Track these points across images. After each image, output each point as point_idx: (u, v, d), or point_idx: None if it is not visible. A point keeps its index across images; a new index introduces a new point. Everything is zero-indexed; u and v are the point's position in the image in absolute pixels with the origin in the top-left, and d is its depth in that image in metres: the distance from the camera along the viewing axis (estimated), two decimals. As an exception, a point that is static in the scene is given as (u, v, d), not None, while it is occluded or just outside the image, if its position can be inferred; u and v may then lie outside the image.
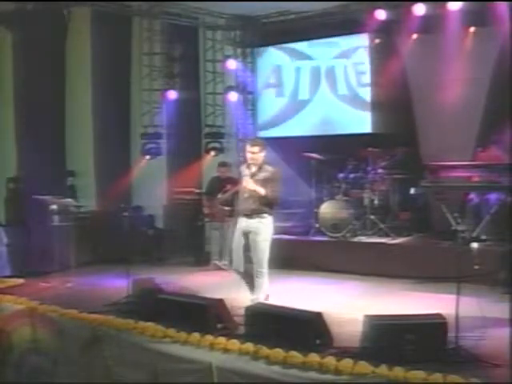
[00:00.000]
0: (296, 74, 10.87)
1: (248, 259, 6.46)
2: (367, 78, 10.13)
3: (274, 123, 11.14)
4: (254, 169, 6.38)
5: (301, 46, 10.75)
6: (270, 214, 6.42)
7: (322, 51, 10.56)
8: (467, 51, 8.71)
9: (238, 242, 6.47)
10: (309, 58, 10.71)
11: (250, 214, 6.35)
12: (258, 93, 11.37)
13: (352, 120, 10.33)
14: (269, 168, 6.43)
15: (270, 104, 11.24)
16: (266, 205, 6.35)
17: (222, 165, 9.80)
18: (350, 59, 10.31)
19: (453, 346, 4.85)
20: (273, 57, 11.12)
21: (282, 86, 11.03)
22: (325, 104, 10.60)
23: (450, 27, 8.61)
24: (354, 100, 10.32)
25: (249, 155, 6.41)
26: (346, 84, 10.42)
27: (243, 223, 6.43)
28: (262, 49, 11.26)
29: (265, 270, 6.38)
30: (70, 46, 10.72)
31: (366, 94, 10.18)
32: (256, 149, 6.40)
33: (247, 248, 6.42)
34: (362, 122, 10.19)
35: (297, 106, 10.90)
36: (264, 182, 6.31)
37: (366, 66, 10.11)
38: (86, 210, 10.03)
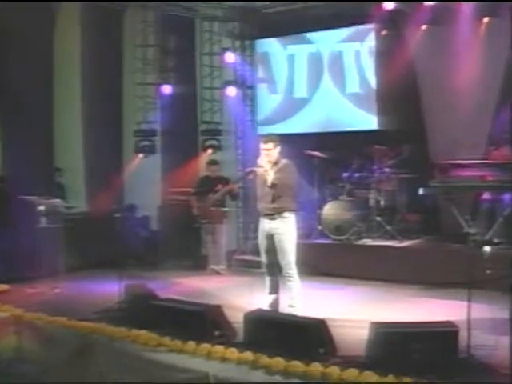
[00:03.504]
0: (289, 63, 10.68)
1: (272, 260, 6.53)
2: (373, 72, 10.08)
3: (274, 120, 11.10)
4: (269, 166, 6.41)
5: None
6: (293, 211, 6.48)
7: (324, 33, 10.10)
8: (480, 43, 8.66)
9: (263, 245, 6.55)
10: (307, 41, 10.43)
11: (272, 214, 6.42)
12: (257, 87, 11.34)
13: (357, 116, 10.29)
14: (283, 161, 6.51)
15: (267, 100, 11.20)
16: (287, 202, 6.43)
17: (212, 163, 9.80)
18: (364, 42, 10.01)
19: (464, 356, 4.83)
20: (262, 44, 10.73)
21: (274, 81, 10.75)
22: (328, 103, 10.43)
23: (461, 18, 8.58)
24: (367, 97, 10.12)
25: (263, 152, 6.46)
26: (359, 77, 10.20)
27: (266, 225, 6.50)
28: (261, 41, 11.23)
29: (295, 271, 6.46)
30: (58, 36, 10.66)
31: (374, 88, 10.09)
32: (270, 145, 6.45)
33: (272, 250, 6.49)
34: (367, 119, 10.16)
35: (293, 106, 10.74)
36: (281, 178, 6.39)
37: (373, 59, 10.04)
38: (76, 211, 9.97)
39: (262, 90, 11.04)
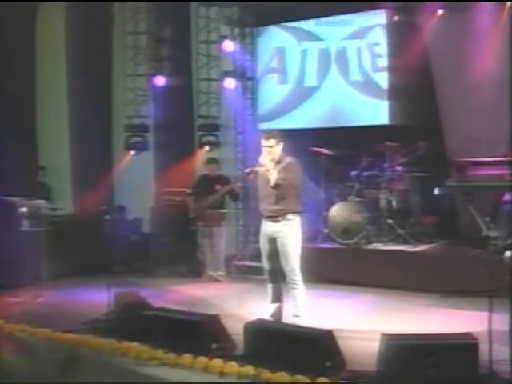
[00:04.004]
0: (302, 57, 10.85)
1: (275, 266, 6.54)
2: (384, 62, 10.10)
3: (276, 114, 11.11)
4: (271, 164, 6.41)
5: (307, 24, 10.72)
6: (297, 212, 6.49)
7: (332, 31, 10.54)
8: (501, 30, 8.63)
9: (266, 249, 6.57)
10: (317, 38, 10.68)
11: (276, 216, 6.43)
12: (258, 79, 11.35)
13: (366, 110, 10.30)
14: (287, 159, 6.51)
15: (272, 92, 11.21)
16: (291, 203, 6.43)
17: (211, 161, 9.82)
18: (364, 39, 10.28)
19: (485, 372, 4.80)
20: (275, 37, 11.09)
21: (286, 72, 11.00)
22: (335, 91, 10.58)
23: (482, 2, 8.56)
24: (369, 87, 10.30)
25: (265, 150, 6.46)
26: (359, 68, 10.40)
27: (268, 228, 6.51)
28: (262, 28, 11.23)
29: (299, 277, 6.46)
30: (41, 24, 10.65)
31: (383, 79, 10.14)
32: (272, 142, 6.46)
33: (274, 255, 6.49)
34: (377, 112, 10.16)
35: (303, 94, 10.89)
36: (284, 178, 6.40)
37: (383, 48, 10.08)
38: (61, 213, 10.00)
39: (272, 80, 11.04)
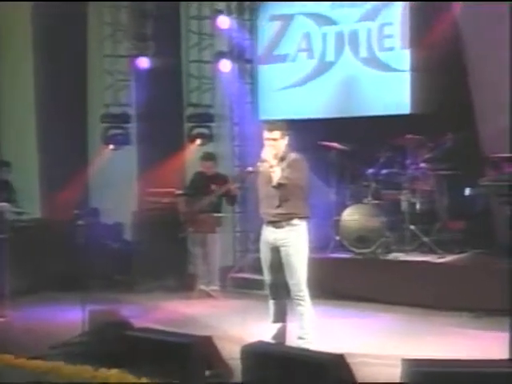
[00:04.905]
0: (323, 40, 10.89)
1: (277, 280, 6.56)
2: (396, 42, 10.16)
3: (281, 100, 11.10)
4: (275, 161, 6.42)
5: (324, 8, 10.78)
6: (304, 217, 6.52)
7: (346, 13, 10.63)
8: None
9: (267, 260, 6.59)
10: (334, 22, 10.76)
11: (279, 221, 6.45)
12: (259, 61, 11.35)
13: (385, 97, 10.30)
14: (292, 155, 6.53)
15: (276, 75, 11.20)
16: (296, 206, 6.45)
17: (208, 157, 9.83)
18: (375, 21, 10.36)
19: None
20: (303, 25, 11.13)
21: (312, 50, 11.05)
22: (349, 66, 10.64)
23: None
24: (388, 70, 10.31)
25: (267, 143, 6.47)
26: (367, 50, 10.47)
27: (270, 235, 6.54)
28: (263, 4, 11.24)
29: (306, 293, 6.48)
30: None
31: (401, 61, 10.15)
32: (276, 134, 6.48)
33: (277, 266, 6.51)
34: (397, 100, 10.16)
35: (324, 67, 10.92)
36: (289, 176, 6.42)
37: (396, 28, 10.13)
38: (28, 217, 9.99)
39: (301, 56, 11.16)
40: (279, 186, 6.38)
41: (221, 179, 9.55)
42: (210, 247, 9.51)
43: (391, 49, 10.24)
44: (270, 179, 6.43)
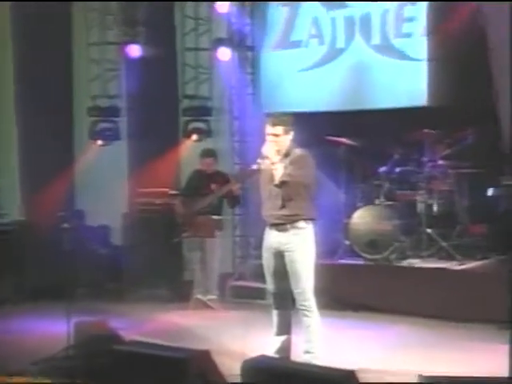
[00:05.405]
0: (332, 24, 10.90)
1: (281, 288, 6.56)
2: (415, 27, 10.13)
3: (285, 92, 11.09)
4: (277, 158, 6.42)
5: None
6: (310, 219, 6.53)
7: None
8: None
9: (270, 266, 6.59)
10: (344, 6, 10.76)
11: (282, 224, 6.45)
12: (261, 49, 11.34)
13: (399, 88, 10.29)
14: (297, 151, 6.54)
15: (280, 64, 11.19)
16: (302, 207, 6.46)
17: (207, 154, 9.81)
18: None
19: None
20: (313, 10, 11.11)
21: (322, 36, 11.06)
22: (359, 53, 10.64)
23: None
24: (403, 57, 10.29)
25: (270, 139, 6.49)
26: (380, 36, 10.44)
27: (273, 239, 6.54)
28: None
29: (313, 302, 6.48)
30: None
31: (419, 49, 10.14)
32: (279, 129, 6.49)
33: (281, 273, 6.51)
34: (413, 91, 10.15)
35: (335, 53, 10.93)
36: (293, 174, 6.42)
37: (418, 11, 10.10)
38: (8, 220, 10.00)
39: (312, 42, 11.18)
40: (282, 184, 6.38)
41: (221, 178, 9.51)
42: (209, 253, 9.47)
43: (409, 35, 10.22)
44: (272, 177, 6.43)
